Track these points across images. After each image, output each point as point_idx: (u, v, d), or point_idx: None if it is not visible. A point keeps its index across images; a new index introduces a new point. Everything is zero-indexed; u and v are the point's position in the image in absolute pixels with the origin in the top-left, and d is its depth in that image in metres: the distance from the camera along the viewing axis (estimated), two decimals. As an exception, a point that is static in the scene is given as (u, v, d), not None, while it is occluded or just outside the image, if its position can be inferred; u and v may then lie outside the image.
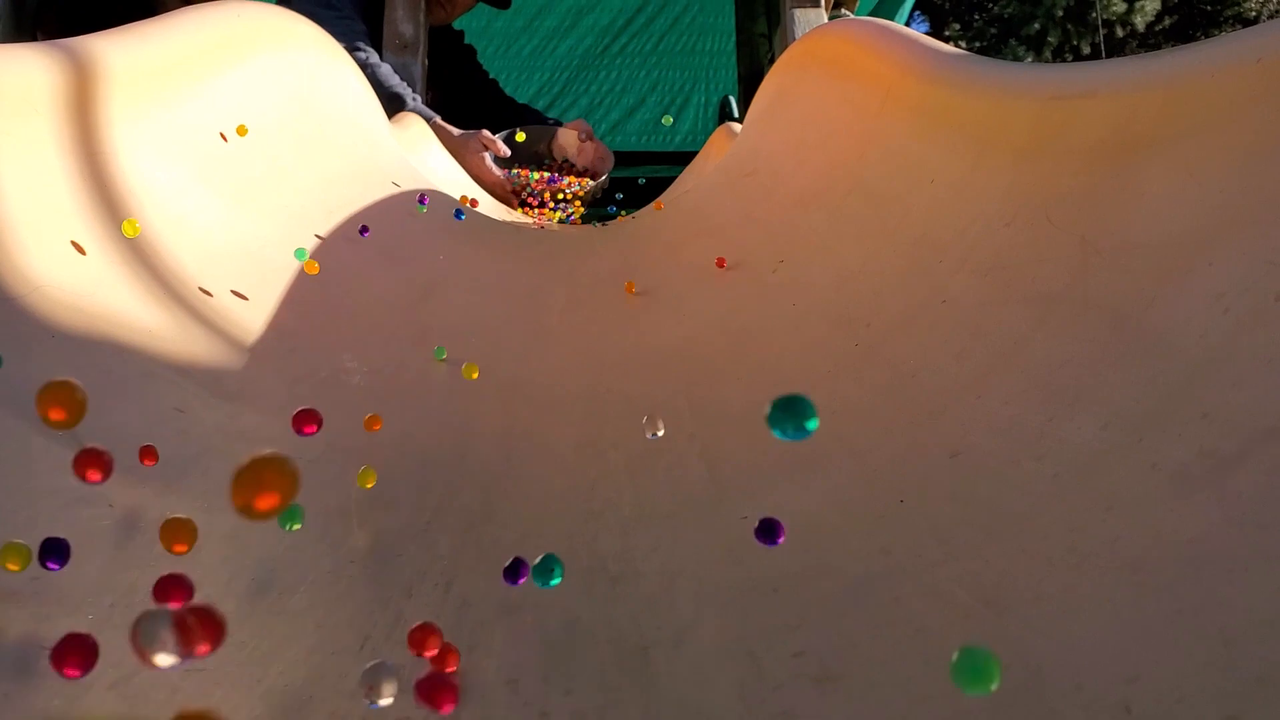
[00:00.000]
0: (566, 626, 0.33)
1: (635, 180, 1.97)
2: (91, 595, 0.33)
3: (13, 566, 0.33)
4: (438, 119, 1.64)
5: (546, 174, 1.67)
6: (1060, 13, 7.16)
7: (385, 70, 1.67)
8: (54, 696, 0.27)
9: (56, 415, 0.26)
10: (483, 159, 1.62)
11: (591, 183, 1.69)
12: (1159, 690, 0.25)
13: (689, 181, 1.66)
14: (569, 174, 1.76)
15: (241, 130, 0.78)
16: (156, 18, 0.82)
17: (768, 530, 0.32)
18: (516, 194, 1.65)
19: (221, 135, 0.65)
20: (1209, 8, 7.52)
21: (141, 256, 0.61)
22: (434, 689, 0.29)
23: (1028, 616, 0.30)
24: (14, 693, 0.26)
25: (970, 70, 0.74)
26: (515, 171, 1.65)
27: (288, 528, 0.36)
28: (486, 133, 1.65)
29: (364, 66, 1.32)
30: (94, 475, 0.33)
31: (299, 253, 0.72)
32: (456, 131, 1.65)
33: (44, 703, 0.26)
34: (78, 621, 0.31)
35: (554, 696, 0.29)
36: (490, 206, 1.31)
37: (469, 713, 0.28)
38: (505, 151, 1.65)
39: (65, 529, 0.36)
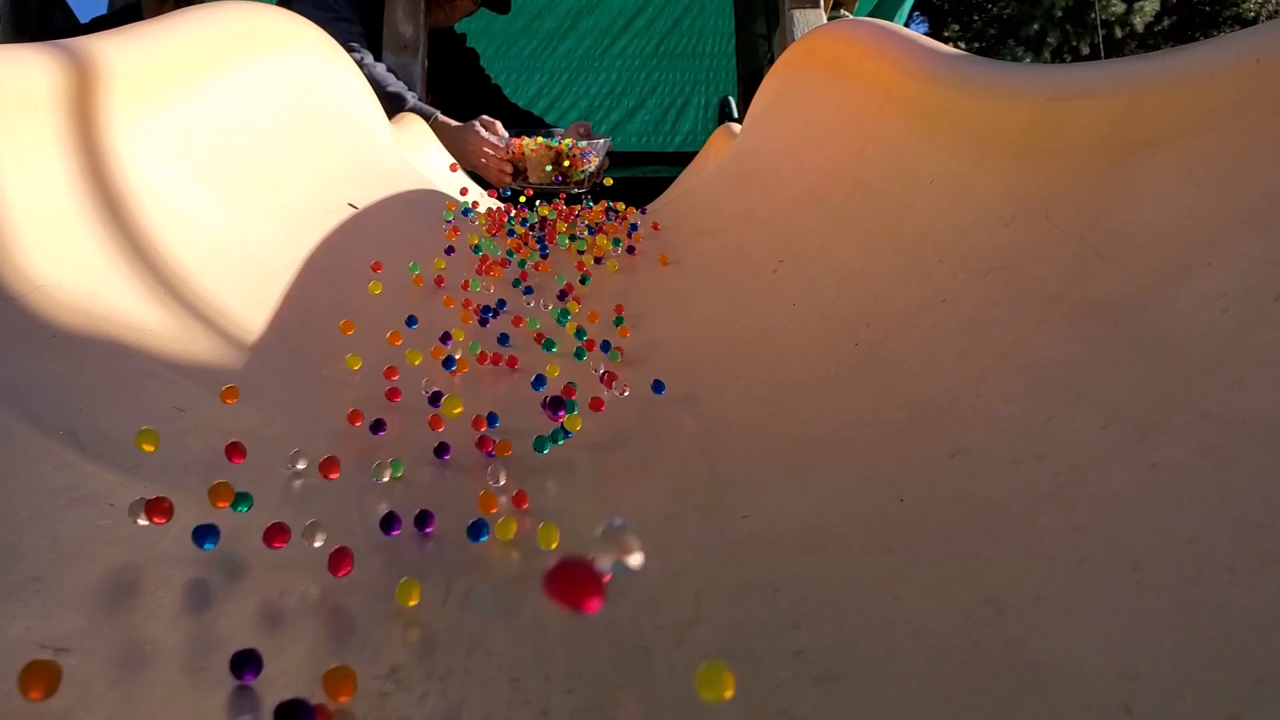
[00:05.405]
0: (567, 625, 0.33)
1: (637, 181, 1.97)
2: (91, 595, 0.33)
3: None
4: (438, 115, 1.65)
5: (545, 140, 1.66)
6: (1059, 13, 7.17)
7: (381, 70, 1.67)
8: (54, 696, 0.27)
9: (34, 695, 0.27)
10: (478, 133, 1.64)
11: (586, 147, 1.69)
12: (1160, 690, 0.25)
13: (689, 181, 1.66)
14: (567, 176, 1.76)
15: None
16: (157, 18, 0.82)
17: None
18: (514, 166, 1.65)
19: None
20: (1208, 8, 7.53)
21: (142, 256, 0.61)
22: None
23: (1028, 616, 0.30)
24: (14, 692, 0.26)
25: (969, 71, 0.74)
26: (512, 141, 1.66)
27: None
28: (486, 117, 1.68)
29: (359, 67, 1.33)
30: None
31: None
32: (456, 125, 1.67)
33: (44, 703, 0.26)
34: (78, 621, 0.31)
35: (555, 695, 0.29)
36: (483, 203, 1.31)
37: (470, 712, 0.29)
38: (504, 134, 1.68)
39: (65, 529, 0.36)
